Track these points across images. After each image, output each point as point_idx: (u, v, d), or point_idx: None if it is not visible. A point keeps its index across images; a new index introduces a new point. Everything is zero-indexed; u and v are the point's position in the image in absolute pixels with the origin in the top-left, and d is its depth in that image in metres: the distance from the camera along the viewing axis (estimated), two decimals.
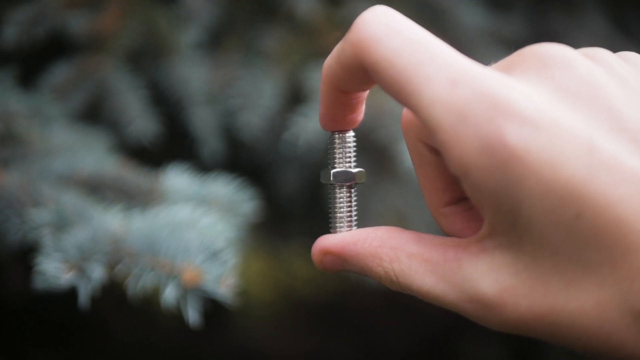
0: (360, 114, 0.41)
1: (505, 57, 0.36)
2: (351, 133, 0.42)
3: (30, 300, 1.04)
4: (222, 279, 0.68)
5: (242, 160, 1.19)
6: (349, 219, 0.42)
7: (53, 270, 0.67)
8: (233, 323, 1.58)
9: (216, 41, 1.18)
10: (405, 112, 0.39)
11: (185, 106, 1.11)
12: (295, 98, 1.14)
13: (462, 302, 0.36)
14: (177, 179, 0.84)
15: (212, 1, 1.16)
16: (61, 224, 0.72)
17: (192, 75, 1.12)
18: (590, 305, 0.33)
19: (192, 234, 0.71)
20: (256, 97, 1.12)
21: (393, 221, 1.23)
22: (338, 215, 0.42)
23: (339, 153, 0.42)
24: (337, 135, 0.42)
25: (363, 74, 0.36)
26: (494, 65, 0.36)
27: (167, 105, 1.11)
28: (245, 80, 1.14)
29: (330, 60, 0.38)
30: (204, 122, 1.11)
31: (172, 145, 1.11)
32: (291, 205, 1.26)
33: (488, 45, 1.23)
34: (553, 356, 1.64)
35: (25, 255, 0.74)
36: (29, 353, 1.33)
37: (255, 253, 1.48)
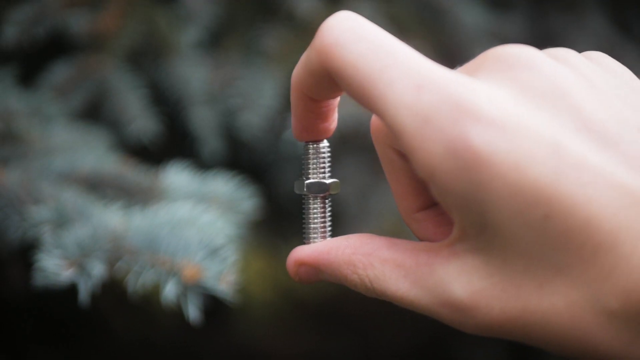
0: (333, 122, 0.41)
1: (471, 60, 0.36)
2: (325, 143, 0.42)
3: (30, 298, 1.05)
4: (222, 276, 0.68)
5: (242, 159, 1.19)
6: (322, 229, 0.42)
7: (53, 267, 0.67)
8: (233, 322, 1.58)
9: (216, 41, 1.18)
10: (374, 118, 0.39)
11: (186, 106, 1.11)
12: None
13: (436, 307, 0.35)
14: (177, 177, 0.84)
15: (212, 1, 1.16)
16: (61, 221, 0.72)
17: (192, 74, 1.12)
18: (563, 306, 0.33)
19: (192, 231, 0.72)
20: (256, 96, 1.12)
21: (392, 221, 1.23)
22: (312, 226, 0.42)
23: (313, 164, 0.42)
24: (311, 146, 0.42)
25: (330, 80, 0.36)
26: (460, 68, 0.36)
27: (167, 104, 1.11)
28: (246, 79, 1.14)
29: (298, 69, 0.38)
30: (204, 122, 1.11)
31: (172, 144, 1.11)
32: (291, 204, 1.26)
33: (488, 46, 1.23)
34: (552, 357, 1.63)
35: (25, 252, 0.74)
36: (28, 350, 1.33)
37: (256, 252, 1.48)
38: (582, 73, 0.35)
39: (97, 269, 0.68)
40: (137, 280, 0.69)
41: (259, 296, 1.62)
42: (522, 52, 0.35)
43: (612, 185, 0.32)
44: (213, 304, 0.72)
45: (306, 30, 1.18)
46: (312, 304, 1.68)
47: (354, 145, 1.18)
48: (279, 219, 1.26)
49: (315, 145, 0.42)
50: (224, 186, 0.85)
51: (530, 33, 1.31)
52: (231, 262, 0.69)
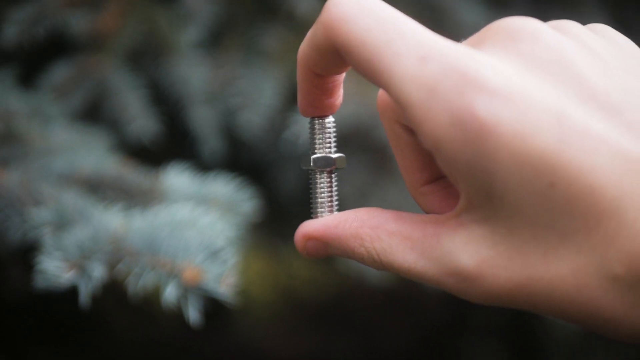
0: (339, 98, 0.41)
1: (475, 33, 0.37)
2: (331, 118, 0.42)
3: (31, 299, 1.05)
4: (223, 278, 0.68)
5: (242, 159, 1.19)
6: (329, 204, 0.42)
7: (53, 269, 0.67)
8: (233, 323, 1.58)
9: (216, 40, 1.18)
10: (381, 93, 0.40)
11: (186, 105, 1.11)
12: (295, 97, 1.13)
13: (443, 277, 0.36)
14: (177, 178, 0.84)
15: (212, 0, 1.16)
16: (61, 223, 0.72)
17: (192, 74, 1.12)
18: (568, 273, 0.33)
19: (192, 232, 0.72)
20: (256, 96, 1.12)
21: None
22: (319, 200, 0.42)
23: (319, 139, 0.42)
24: (316, 121, 0.42)
25: (336, 55, 0.36)
26: (465, 42, 0.37)
27: (167, 104, 1.11)
28: (246, 79, 1.14)
29: (304, 45, 0.38)
30: (204, 121, 1.11)
31: (173, 144, 1.11)
32: (291, 204, 1.26)
33: None
34: (553, 352, 1.64)
35: (25, 254, 0.74)
36: (29, 352, 1.33)
37: (255, 253, 1.48)
38: (585, 44, 0.35)
39: (98, 271, 0.68)
40: (138, 282, 0.69)
41: (259, 297, 1.62)
42: (525, 24, 0.35)
43: (616, 153, 0.32)
44: (213, 305, 0.72)
45: (306, 30, 1.17)
46: (312, 304, 1.68)
47: (354, 145, 1.17)
48: (279, 220, 1.26)
49: (320, 120, 0.42)
50: (224, 188, 0.85)
51: None
52: (231, 265, 0.69)
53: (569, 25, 0.37)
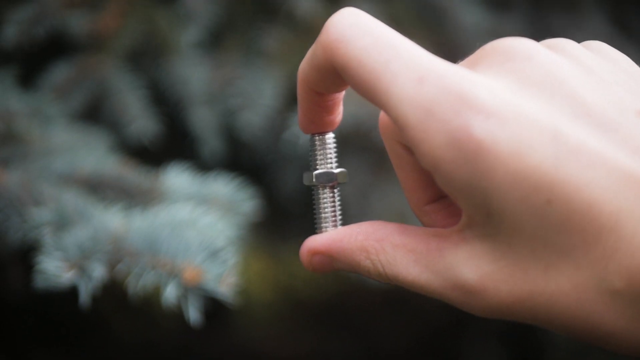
0: (338, 115, 0.42)
1: (471, 54, 0.37)
2: (331, 134, 0.43)
3: (30, 299, 1.05)
4: (223, 278, 0.68)
5: (242, 159, 1.19)
6: (333, 218, 0.43)
7: (54, 269, 0.67)
8: (233, 323, 1.58)
9: (216, 41, 1.18)
10: (382, 114, 0.40)
11: (186, 106, 1.11)
12: (295, 97, 1.13)
13: (446, 290, 0.36)
14: (178, 178, 0.84)
15: (212, 1, 1.16)
16: (62, 223, 0.72)
17: (193, 74, 1.12)
18: (568, 288, 0.33)
19: (193, 233, 0.72)
20: (256, 96, 1.12)
21: (392, 220, 1.22)
22: (323, 215, 0.43)
23: (320, 155, 0.43)
24: (317, 137, 0.43)
25: (335, 75, 0.37)
26: (461, 63, 0.37)
27: (167, 104, 1.11)
28: (246, 79, 1.14)
29: (304, 64, 0.39)
30: (204, 122, 1.11)
31: (173, 144, 1.11)
32: (291, 204, 1.26)
33: None
34: (553, 353, 1.64)
35: (25, 254, 0.74)
36: (29, 352, 1.33)
37: (256, 253, 1.48)
38: (579, 61, 0.36)
39: (98, 271, 0.69)
40: (138, 282, 0.69)
41: (259, 297, 1.62)
42: (518, 44, 0.36)
43: (611, 169, 0.32)
44: (213, 305, 0.72)
45: (306, 30, 1.18)
46: (312, 304, 1.68)
47: (354, 145, 1.18)
48: (279, 220, 1.26)
49: (321, 137, 0.43)
50: (224, 188, 0.85)
51: (529, 33, 1.31)
52: (231, 264, 0.69)
53: (564, 44, 0.37)
